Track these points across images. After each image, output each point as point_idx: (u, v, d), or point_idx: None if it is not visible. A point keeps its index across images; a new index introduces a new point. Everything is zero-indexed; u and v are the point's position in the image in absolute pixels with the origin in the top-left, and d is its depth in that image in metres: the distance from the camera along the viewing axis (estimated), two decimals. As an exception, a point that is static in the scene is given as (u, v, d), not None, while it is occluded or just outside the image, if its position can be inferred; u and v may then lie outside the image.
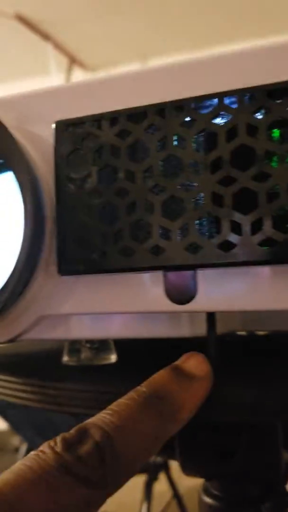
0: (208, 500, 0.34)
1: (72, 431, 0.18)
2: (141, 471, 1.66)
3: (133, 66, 2.63)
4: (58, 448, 0.17)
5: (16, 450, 1.72)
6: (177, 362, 0.22)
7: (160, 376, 0.21)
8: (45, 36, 2.15)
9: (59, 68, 2.32)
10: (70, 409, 0.21)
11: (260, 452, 0.32)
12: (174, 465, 1.87)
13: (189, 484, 2.10)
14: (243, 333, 0.37)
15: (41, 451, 0.17)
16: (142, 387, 0.20)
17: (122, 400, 0.19)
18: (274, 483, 0.33)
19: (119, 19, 2.05)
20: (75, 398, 0.21)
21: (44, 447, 0.17)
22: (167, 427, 0.20)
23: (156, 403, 0.19)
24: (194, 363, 0.22)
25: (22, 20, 1.98)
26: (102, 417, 0.18)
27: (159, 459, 1.67)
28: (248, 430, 0.32)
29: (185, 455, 0.33)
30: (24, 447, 1.54)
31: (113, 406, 0.19)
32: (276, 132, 0.21)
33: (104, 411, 0.19)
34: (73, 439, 0.17)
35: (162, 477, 1.74)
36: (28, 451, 0.22)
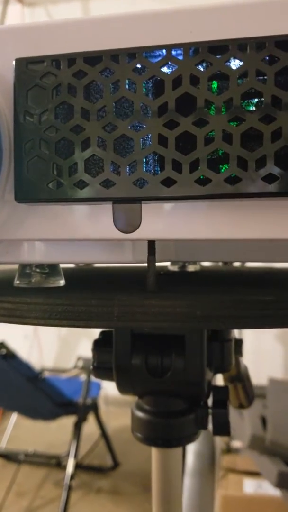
0: (140, 414, 0.39)
1: None
2: (71, 412, 1.72)
3: (73, 5, 2.52)
4: None
5: None
6: None
7: None
8: None
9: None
10: (27, 321, 0.24)
11: (186, 372, 0.37)
12: (102, 407, 1.96)
13: (116, 425, 2.21)
14: (175, 269, 0.42)
15: None
16: None
17: None
18: (197, 399, 0.38)
19: None
20: (33, 311, 0.23)
21: None
22: None
23: None
24: None
25: None
26: None
27: (88, 401, 1.75)
28: (177, 353, 0.36)
29: (121, 376, 0.38)
30: None
31: None
32: (214, 84, 0.24)
33: None
34: None
35: (91, 418, 1.82)
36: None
